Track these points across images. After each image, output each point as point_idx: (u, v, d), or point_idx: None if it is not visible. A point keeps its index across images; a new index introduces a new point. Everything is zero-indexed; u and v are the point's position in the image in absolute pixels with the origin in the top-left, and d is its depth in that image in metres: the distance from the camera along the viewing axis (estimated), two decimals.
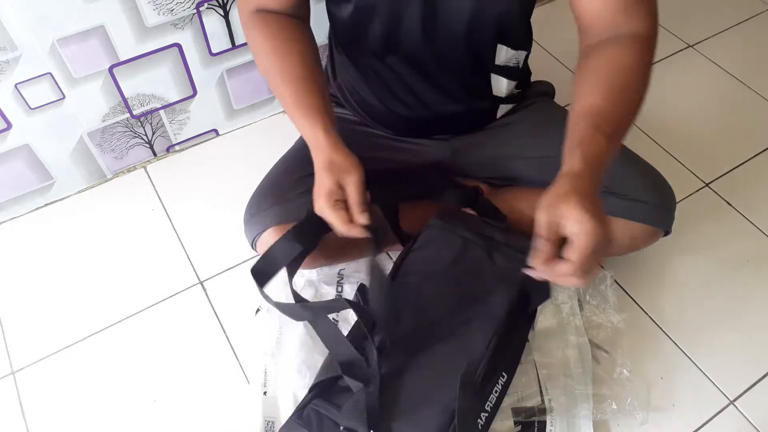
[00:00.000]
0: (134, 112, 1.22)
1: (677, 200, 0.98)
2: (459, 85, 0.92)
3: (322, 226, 0.81)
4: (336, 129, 0.82)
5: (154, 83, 1.19)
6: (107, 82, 1.14)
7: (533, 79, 1.06)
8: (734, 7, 1.61)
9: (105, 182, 1.30)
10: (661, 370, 1.00)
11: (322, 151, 0.80)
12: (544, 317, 1.01)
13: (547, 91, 1.07)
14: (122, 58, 1.12)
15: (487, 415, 0.85)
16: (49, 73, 1.07)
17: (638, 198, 0.93)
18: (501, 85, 0.94)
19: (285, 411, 0.94)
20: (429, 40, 0.84)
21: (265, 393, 0.96)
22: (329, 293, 1.06)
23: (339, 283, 1.07)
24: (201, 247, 1.18)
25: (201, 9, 1.13)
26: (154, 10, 1.08)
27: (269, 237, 0.91)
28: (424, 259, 0.89)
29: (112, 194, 1.28)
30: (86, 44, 1.07)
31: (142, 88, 1.19)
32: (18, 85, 1.06)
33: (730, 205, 1.21)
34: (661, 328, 1.05)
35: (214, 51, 1.21)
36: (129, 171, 1.31)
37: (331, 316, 1.03)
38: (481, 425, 0.83)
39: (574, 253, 0.64)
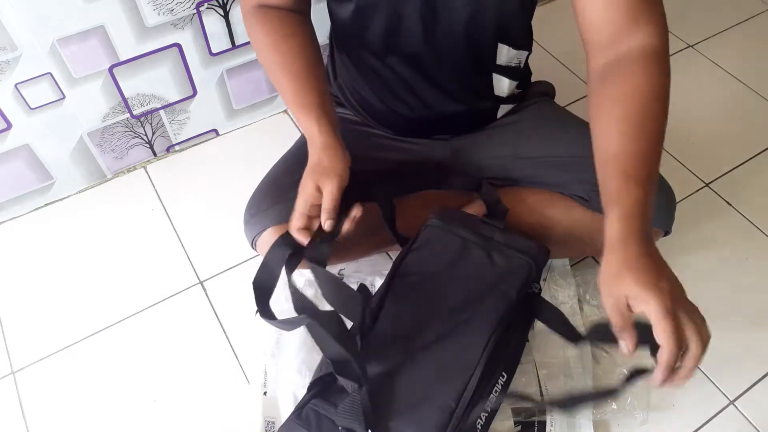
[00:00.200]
0: (134, 112, 1.22)
1: (677, 200, 0.98)
2: (460, 85, 0.92)
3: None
4: (334, 126, 0.82)
5: (154, 83, 1.19)
6: (107, 82, 1.14)
7: (533, 79, 1.06)
8: (734, 7, 1.61)
9: (105, 182, 1.30)
10: None
11: (315, 149, 0.81)
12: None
13: (547, 91, 1.07)
14: (122, 58, 1.12)
15: (486, 415, 0.85)
16: (49, 73, 1.07)
17: None
18: (502, 85, 0.94)
19: (285, 411, 0.94)
20: (429, 40, 0.84)
21: (265, 393, 0.96)
22: None
23: None
24: (201, 247, 1.18)
25: (201, 9, 1.13)
26: (154, 10, 1.08)
27: (269, 237, 0.91)
28: (423, 259, 0.89)
29: (112, 194, 1.28)
30: (86, 44, 1.07)
31: (142, 88, 1.19)
32: (18, 85, 1.06)
33: (730, 205, 1.21)
34: None
35: (214, 51, 1.21)
36: (129, 171, 1.31)
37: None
38: (481, 425, 0.83)
39: (657, 336, 0.60)
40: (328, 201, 0.78)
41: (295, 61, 0.85)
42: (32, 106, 1.10)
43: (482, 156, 1.00)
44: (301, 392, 0.90)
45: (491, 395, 0.85)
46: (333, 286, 0.78)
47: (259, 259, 0.83)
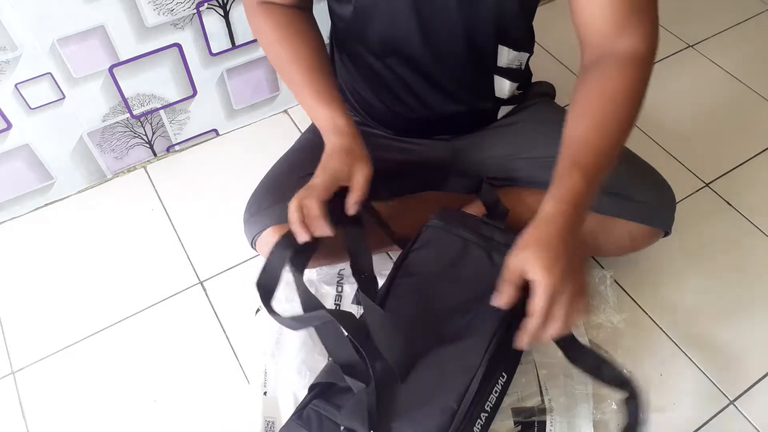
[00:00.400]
0: (134, 112, 1.22)
1: (677, 200, 0.98)
2: (460, 85, 0.92)
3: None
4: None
5: (154, 83, 1.19)
6: (107, 82, 1.14)
7: (534, 79, 1.06)
8: (734, 7, 1.61)
9: (105, 182, 1.30)
10: (662, 370, 1.00)
11: (343, 136, 0.80)
12: None
13: (547, 91, 1.07)
14: (122, 58, 1.12)
15: (486, 415, 0.84)
16: (49, 73, 1.07)
17: (638, 198, 0.93)
18: (503, 87, 0.94)
19: (285, 411, 0.94)
20: (428, 41, 0.84)
21: (265, 393, 0.96)
22: (329, 293, 1.06)
23: (339, 283, 1.07)
24: (201, 247, 1.18)
25: (201, 9, 1.13)
26: (154, 10, 1.08)
27: (269, 236, 0.91)
28: (424, 260, 0.89)
29: (112, 194, 1.28)
30: (86, 44, 1.07)
31: (142, 88, 1.19)
32: (18, 85, 1.06)
33: (730, 205, 1.21)
34: (661, 328, 1.05)
35: (214, 51, 1.21)
36: (129, 171, 1.32)
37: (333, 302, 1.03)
38: (481, 425, 0.83)
39: (531, 306, 0.67)
40: (361, 181, 0.77)
41: (307, 53, 0.86)
42: (32, 106, 1.10)
43: (483, 156, 1.00)
44: (302, 392, 0.90)
45: (491, 395, 0.85)
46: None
47: (259, 259, 0.83)
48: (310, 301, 0.76)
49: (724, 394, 0.98)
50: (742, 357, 1.01)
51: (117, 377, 1.02)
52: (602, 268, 1.10)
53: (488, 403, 0.84)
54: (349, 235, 0.82)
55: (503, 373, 0.85)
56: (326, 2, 0.89)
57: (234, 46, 1.22)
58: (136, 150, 1.29)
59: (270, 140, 1.31)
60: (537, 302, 0.66)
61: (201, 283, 1.13)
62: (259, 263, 0.82)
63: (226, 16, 1.17)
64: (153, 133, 1.28)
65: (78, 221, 1.23)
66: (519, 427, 0.92)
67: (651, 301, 1.08)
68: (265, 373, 0.98)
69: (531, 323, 0.67)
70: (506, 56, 0.89)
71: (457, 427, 0.74)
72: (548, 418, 0.92)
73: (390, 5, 0.81)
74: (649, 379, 0.99)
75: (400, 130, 1.00)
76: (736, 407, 0.96)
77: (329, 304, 1.05)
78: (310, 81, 0.84)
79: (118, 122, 1.22)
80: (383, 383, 0.75)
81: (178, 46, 1.16)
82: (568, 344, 0.79)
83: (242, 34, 1.21)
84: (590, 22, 0.77)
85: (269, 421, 0.94)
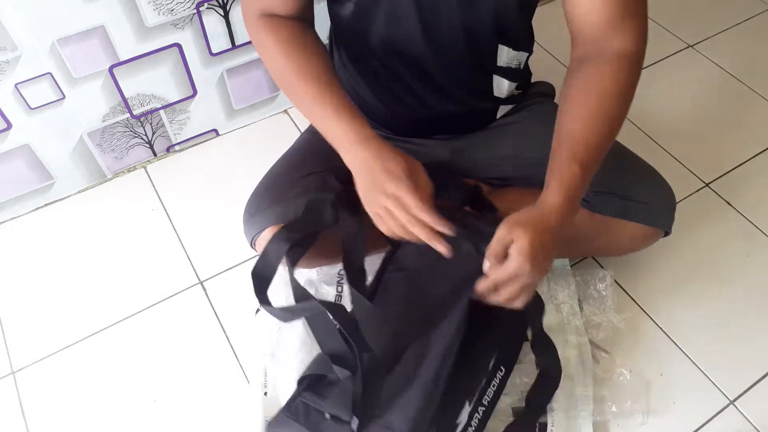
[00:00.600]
0: (134, 112, 1.22)
1: (677, 200, 0.98)
2: (460, 85, 0.92)
3: (316, 223, 0.81)
4: None
5: (154, 83, 1.19)
6: (107, 82, 1.14)
7: (533, 79, 1.06)
8: (734, 7, 1.61)
9: (105, 182, 1.30)
10: (662, 370, 1.00)
11: (377, 142, 0.78)
12: (545, 317, 1.01)
13: (546, 91, 1.07)
14: (122, 58, 1.12)
15: (484, 408, 0.85)
16: (49, 73, 1.07)
17: (638, 198, 0.93)
18: (502, 86, 0.94)
19: None
20: (429, 40, 0.84)
21: (265, 393, 0.96)
22: (329, 293, 1.06)
23: (339, 283, 1.07)
24: (201, 247, 1.18)
25: (201, 9, 1.13)
26: (154, 10, 1.08)
27: (268, 236, 0.91)
28: (412, 255, 0.89)
29: (112, 194, 1.28)
30: (86, 44, 1.07)
31: (142, 88, 1.19)
32: (18, 85, 1.06)
33: (730, 205, 1.21)
34: (661, 328, 1.05)
35: (214, 51, 1.21)
36: (129, 171, 1.32)
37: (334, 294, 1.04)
38: (479, 419, 0.83)
39: (495, 271, 0.71)
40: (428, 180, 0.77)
41: (315, 65, 0.83)
42: (32, 106, 1.10)
43: (482, 156, 1.00)
44: None
45: (488, 389, 0.85)
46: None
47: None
48: (301, 293, 0.77)
49: (724, 394, 0.98)
50: (742, 357, 1.01)
51: (117, 377, 1.02)
52: (602, 268, 1.10)
53: (486, 396, 0.84)
54: (346, 226, 0.83)
55: (501, 367, 0.86)
56: (326, 3, 0.89)
57: (234, 46, 1.22)
58: (136, 150, 1.29)
59: (270, 140, 1.31)
60: (500, 272, 0.71)
61: (201, 283, 1.13)
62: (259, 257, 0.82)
63: (226, 16, 1.17)
64: (153, 133, 1.28)
65: (78, 221, 1.23)
66: None
67: (651, 301, 1.08)
68: (265, 373, 0.98)
69: (484, 284, 0.73)
70: (506, 55, 0.89)
71: (437, 405, 0.74)
72: (549, 419, 0.92)
73: (392, 3, 0.81)
74: (649, 379, 0.99)
75: (399, 130, 1.00)
76: (736, 407, 0.96)
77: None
78: (323, 94, 0.81)
79: (118, 122, 1.22)
80: (369, 372, 0.76)
81: (178, 46, 1.16)
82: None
83: (242, 34, 1.21)
84: (583, 18, 0.78)
85: (269, 422, 0.94)
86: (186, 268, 1.15)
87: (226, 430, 0.96)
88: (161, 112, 1.25)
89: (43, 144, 1.17)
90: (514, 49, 0.89)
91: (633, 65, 0.78)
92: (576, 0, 0.77)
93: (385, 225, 0.76)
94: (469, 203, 0.97)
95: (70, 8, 1.01)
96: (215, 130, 1.36)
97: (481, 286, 0.73)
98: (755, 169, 1.27)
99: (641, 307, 1.07)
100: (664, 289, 1.09)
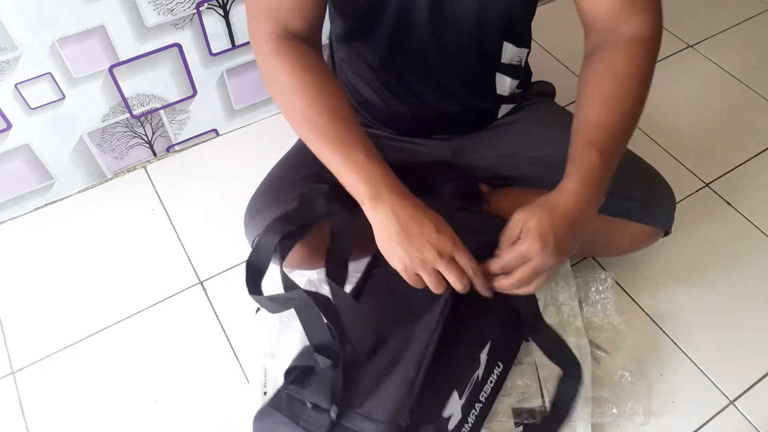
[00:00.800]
0: (134, 112, 1.22)
1: (677, 200, 0.98)
2: (462, 84, 0.92)
3: (309, 214, 0.82)
4: None
5: (154, 83, 1.19)
6: (107, 82, 1.14)
7: (533, 79, 1.06)
8: (734, 7, 1.61)
9: (105, 182, 1.30)
10: (662, 370, 1.00)
11: (403, 191, 0.73)
12: (546, 318, 1.01)
13: (547, 91, 1.07)
14: (122, 58, 1.12)
15: (481, 405, 0.85)
16: (49, 73, 1.07)
17: (638, 198, 0.93)
18: (505, 84, 0.94)
19: None
20: (437, 37, 0.84)
21: (265, 393, 0.96)
22: (329, 293, 1.06)
23: None
24: (201, 247, 1.18)
25: (201, 9, 1.13)
26: (154, 10, 1.08)
27: None
28: None
29: (112, 194, 1.28)
30: (86, 44, 1.07)
31: (142, 88, 1.19)
32: (18, 85, 1.06)
33: (730, 205, 1.21)
34: (661, 329, 1.05)
35: (214, 51, 1.21)
36: (129, 171, 1.31)
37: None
38: (476, 415, 0.83)
39: (505, 254, 0.72)
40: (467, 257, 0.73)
41: (338, 105, 0.77)
42: (32, 106, 1.10)
43: (482, 156, 1.00)
44: None
45: (486, 385, 0.85)
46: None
47: None
48: (288, 283, 0.77)
49: (724, 394, 0.98)
50: (742, 357, 1.01)
51: (117, 377, 1.02)
52: (603, 269, 1.10)
53: (483, 393, 0.84)
54: (337, 220, 0.83)
55: (498, 363, 0.86)
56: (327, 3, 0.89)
57: (234, 46, 1.22)
58: (136, 150, 1.29)
59: (270, 140, 1.30)
60: (510, 253, 0.72)
61: (201, 283, 1.13)
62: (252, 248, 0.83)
63: (226, 16, 1.17)
64: (153, 133, 1.28)
65: (78, 221, 1.23)
66: (520, 428, 0.92)
67: (651, 302, 1.08)
68: (265, 373, 0.98)
69: (494, 265, 0.73)
70: (509, 52, 0.89)
71: (417, 395, 0.74)
72: None
73: (404, 1, 0.79)
74: (649, 379, 0.99)
75: (400, 129, 1.00)
76: (736, 407, 0.96)
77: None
78: (352, 138, 0.74)
79: (118, 122, 1.22)
80: (351, 362, 0.76)
81: (178, 46, 1.16)
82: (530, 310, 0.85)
83: (242, 35, 1.21)
84: (595, 6, 0.77)
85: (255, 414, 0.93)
86: (186, 268, 1.15)
87: (226, 429, 0.96)
88: (161, 112, 1.25)
89: (43, 144, 1.17)
90: (516, 45, 0.89)
91: (648, 48, 0.77)
92: None
93: (413, 277, 0.73)
94: (466, 198, 0.97)
95: (70, 8, 1.01)
96: (215, 130, 1.36)
97: (493, 266, 0.74)
98: (755, 169, 1.27)
99: (642, 308, 1.07)
100: (664, 289, 1.09)
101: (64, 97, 1.12)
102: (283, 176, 0.97)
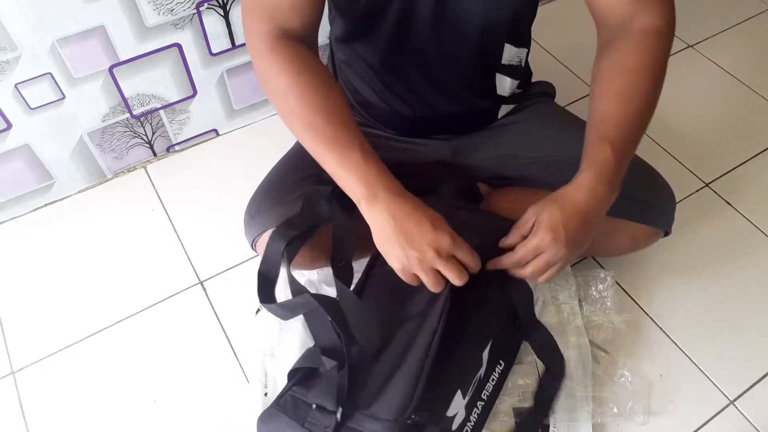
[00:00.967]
0: (134, 112, 1.22)
1: (677, 200, 0.98)
2: (462, 84, 0.92)
3: (313, 217, 0.82)
4: None
5: (154, 83, 1.19)
6: (107, 82, 1.14)
7: (534, 79, 1.06)
8: (734, 7, 1.61)
9: (105, 182, 1.30)
10: (661, 370, 1.00)
11: (401, 190, 0.73)
12: (546, 317, 1.01)
13: (547, 91, 1.07)
14: (122, 58, 1.12)
15: (483, 403, 0.85)
16: (49, 73, 1.07)
17: (638, 198, 0.93)
18: (505, 84, 0.94)
19: None
20: (438, 39, 0.84)
21: (265, 393, 0.96)
22: (330, 294, 1.06)
23: None
24: (201, 247, 1.18)
25: (201, 9, 1.13)
26: (154, 10, 1.08)
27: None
28: None
29: (112, 194, 1.28)
30: (86, 44, 1.07)
31: (142, 88, 1.19)
32: (18, 85, 1.06)
33: (730, 205, 1.21)
34: (661, 328, 1.05)
35: (214, 51, 1.21)
36: (129, 171, 1.31)
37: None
38: (478, 414, 0.83)
39: (520, 248, 0.74)
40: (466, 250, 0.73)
41: (338, 106, 0.76)
42: (32, 106, 1.10)
43: (482, 156, 1.00)
44: None
45: (488, 383, 0.85)
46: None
47: (259, 260, 0.83)
48: (297, 287, 0.78)
49: (724, 394, 0.98)
50: (742, 357, 1.01)
51: (117, 377, 1.02)
52: (603, 268, 1.10)
53: (485, 391, 0.84)
54: (337, 223, 0.83)
55: (500, 361, 0.86)
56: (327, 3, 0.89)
57: (234, 46, 1.22)
58: (136, 150, 1.29)
59: (270, 140, 1.30)
60: (526, 244, 0.73)
61: (201, 283, 1.13)
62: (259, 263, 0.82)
63: (226, 16, 1.17)
64: (153, 133, 1.28)
65: (78, 221, 1.23)
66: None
67: (651, 302, 1.08)
68: (265, 373, 0.98)
69: (506, 260, 0.76)
70: (508, 53, 0.89)
71: (420, 395, 0.74)
72: (551, 419, 0.92)
73: (407, 2, 0.79)
74: (649, 379, 0.99)
75: (400, 129, 1.00)
76: (736, 407, 0.96)
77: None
78: (350, 139, 0.74)
79: (118, 122, 1.22)
80: (357, 363, 0.77)
81: (178, 46, 1.16)
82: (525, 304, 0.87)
83: (242, 35, 1.21)
84: (605, 6, 0.77)
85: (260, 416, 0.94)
86: (186, 268, 1.15)
87: (226, 430, 0.96)
88: (161, 112, 1.25)
89: (43, 144, 1.17)
90: (516, 45, 0.89)
91: (661, 41, 0.77)
92: None
93: (410, 276, 0.73)
94: (464, 198, 0.97)
95: (70, 8, 1.01)
96: (215, 130, 1.36)
97: (506, 261, 0.76)
98: (755, 169, 1.27)
99: (641, 308, 1.07)
100: (664, 289, 1.09)
101: (64, 97, 1.12)
102: (283, 176, 0.97)
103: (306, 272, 1.06)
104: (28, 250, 1.19)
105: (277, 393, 0.95)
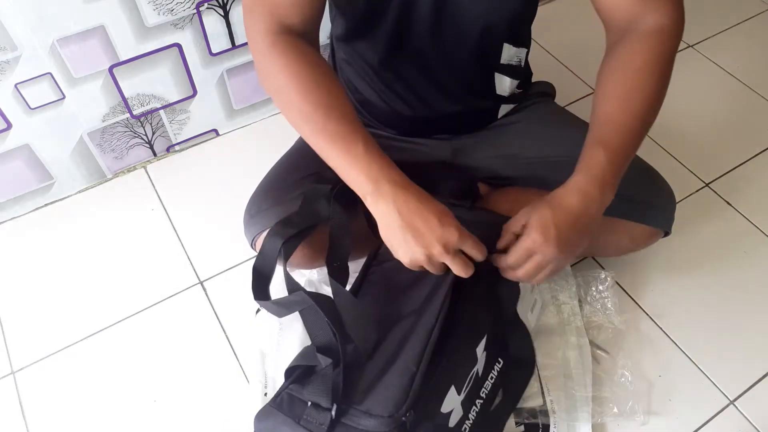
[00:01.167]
0: (134, 112, 1.22)
1: (677, 200, 0.98)
2: (462, 84, 0.92)
3: (312, 217, 0.82)
4: None
5: (154, 83, 1.19)
6: (107, 82, 1.14)
7: (534, 79, 1.06)
8: (734, 7, 1.61)
9: (105, 182, 1.30)
10: (661, 370, 1.00)
11: (405, 194, 0.72)
12: (546, 318, 1.01)
13: (547, 91, 1.07)
14: (122, 58, 1.12)
15: (482, 401, 0.85)
16: (49, 73, 1.07)
17: (638, 198, 0.93)
18: (504, 84, 0.94)
19: None
20: (438, 38, 0.84)
21: (265, 393, 0.96)
22: (329, 293, 1.06)
23: None
24: (201, 247, 1.18)
25: (201, 9, 1.13)
26: (154, 10, 1.08)
27: None
28: None
29: (112, 194, 1.28)
30: (86, 44, 1.07)
31: (142, 88, 1.19)
32: (18, 85, 1.06)
33: (730, 205, 1.21)
34: (661, 328, 1.05)
35: (214, 51, 1.21)
36: (129, 171, 1.31)
37: None
38: (477, 412, 0.83)
39: (513, 251, 0.74)
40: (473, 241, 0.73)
41: (342, 104, 0.76)
42: (32, 106, 1.10)
43: (482, 156, 1.00)
44: None
45: (486, 381, 0.85)
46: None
47: None
48: (292, 285, 0.78)
49: (724, 394, 0.98)
50: (742, 357, 1.01)
51: (117, 377, 1.02)
52: (603, 268, 1.10)
53: (483, 389, 0.84)
54: (335, 222, 0.83)
55: (499, 359, 0.85)
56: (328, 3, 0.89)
57: (234, 46, 1.22)
58: (136, 150, 1.29)
59: (270, 140, 1.30)
60: (517, 247, 0.73)
61: (201, 283, 1.13)
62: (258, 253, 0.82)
63: (226, 16, 1.17)
64: (153, 133, 1.28)
65: (78, 221, 1.23)
66: (522, 428, 0.92)
67: (651, 302, 1.08)
68: (265, 373, 0.98)
69: (500, 263, 0.76)
70: (507, 53, 0.89)
71: (416, 391, 0.74)
72: (551, 419, 0.92)
73: (407, 1, 0.79)
74: (649, 379, 0.99)
75: (400, 129, 1.00)
76: (736, 407, 0.96)
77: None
78: (353, 132, 0.73)
79: (118, 122, 1.22)
80: (352, 361, 0.77)
81: (178, 46, 1.16)
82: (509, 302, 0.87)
83: (242, 35, 1.21)
84: (612, 7, 0.77)
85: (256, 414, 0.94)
86: (186, 268, 1.15)
87: (226, 429, 0.96)
88: (161, 112, 1.25)
89: (43, 144, 1.17)
90: (515, 45, 0.89)
91: (666, 39, 0.76)
92: None
93: (414, 261, 0.73)
94: (463, 198, 0.97)
95: (70, 8, 1.01)
96: (215, 130, 1.36)
97: (500, 264, 0.76)
98: (755, 169, 1.27)
99: (641, 308, 1.07)
100: (664, 289, 1.09)
101: (64, 97, 1.12)
102: (282, 176, 0.97)
103: (306, 272, 1.06)
104: (28, 250, 1.19)
105: None
